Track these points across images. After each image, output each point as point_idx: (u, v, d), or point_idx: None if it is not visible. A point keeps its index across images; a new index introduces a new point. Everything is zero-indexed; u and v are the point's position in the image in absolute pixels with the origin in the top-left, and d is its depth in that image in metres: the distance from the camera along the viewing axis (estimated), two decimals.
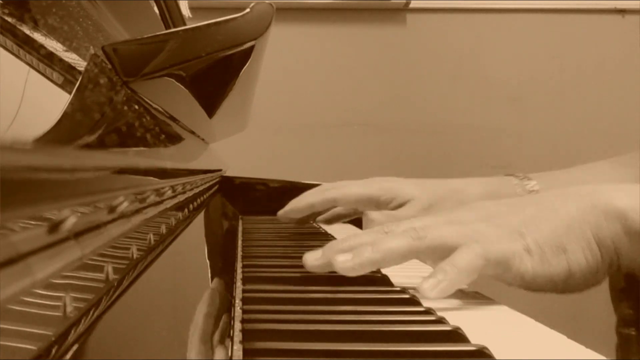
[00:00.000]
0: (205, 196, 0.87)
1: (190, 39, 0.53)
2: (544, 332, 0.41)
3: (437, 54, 1.97)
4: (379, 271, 0.55)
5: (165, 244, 0.46)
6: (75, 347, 0.23)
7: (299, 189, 1.15)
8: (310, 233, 0.88)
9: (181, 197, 0.58)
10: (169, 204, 0.50)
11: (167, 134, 0.59)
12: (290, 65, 1.92)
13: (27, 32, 0.35)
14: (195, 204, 0.71)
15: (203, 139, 0.92)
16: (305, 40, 1.95)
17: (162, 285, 0.42)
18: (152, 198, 0.41)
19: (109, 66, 0.46)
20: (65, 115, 0.30)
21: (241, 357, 0.33)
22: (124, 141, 0.39)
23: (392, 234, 0.53)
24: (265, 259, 0.64)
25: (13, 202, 0.17)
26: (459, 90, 1.97)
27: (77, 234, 0.23)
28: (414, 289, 0.48)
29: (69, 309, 0.22)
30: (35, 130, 0.25)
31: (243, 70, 0.60)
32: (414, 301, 0.45)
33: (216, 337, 0.35)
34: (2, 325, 0.17)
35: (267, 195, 1.15)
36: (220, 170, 1.09)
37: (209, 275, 0.58)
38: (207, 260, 0.63)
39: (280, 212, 0.85)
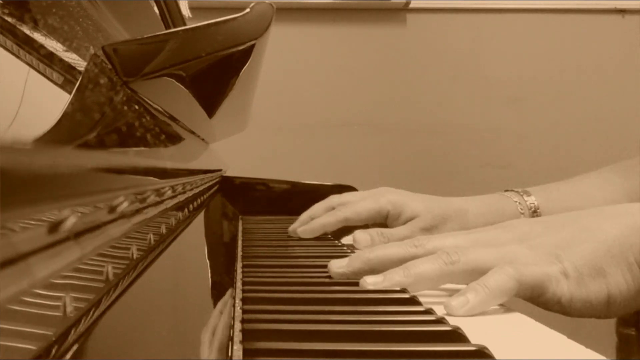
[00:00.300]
0: (205, 196, 0.87)
1: (190, 39, 0.53)
2: (544, 332, 0.41)
3: (437, 54, 1.97)
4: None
5: (165, 244, 0.46)
6: (75, 347, 0.23)
7: (299, 189, 1.15)
8: None
9: (181, 197, 0.58)
10: (169, 204, 0.50)
11: (167, 134, 0.59)
12: (290, 65, 1.92)
13: (27, 32, 0.35)
14: (195, 204, 0.71)
15: (203, 139, 0.92)
16: (305, 40, 1.95)
17: (162, 285, 0.42)
18: (152, 198, 0.41)
19: (109, 66, 0.46)
20: (65, 115, 0.30)
21: (241, 357, 0.33)
22: (124, 141, 0.39)
23: (423, 250, 0.52)
24: (266, 259, 0.64)
25: (13, 202, 0.17)
26: (458, 90, 1.97)
27: (77, 234, 0.23)
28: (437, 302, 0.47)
29: (69, 309, 0.22)
30: (35, 130, 0.25)
31: (243, 70, 0.60)
32: (414, 301, 0.45)
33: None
34: (2, 325, 0.17)
35: (267, 195, 1.15)
36: (220, 170, 1.09)
37: (209, 275, 0.58)
38: (207, 260, 0.63)
39: (292, 231, 0.84)
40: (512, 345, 0.37)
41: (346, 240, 0.81)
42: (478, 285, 0.46)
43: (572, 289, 0.47)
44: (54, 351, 0.21)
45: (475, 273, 0.48)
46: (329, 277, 0.55)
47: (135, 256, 0.35)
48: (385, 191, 0.83)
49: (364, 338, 0.36)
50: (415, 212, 0.79)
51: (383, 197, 0.81)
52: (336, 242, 0.79)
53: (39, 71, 0.34)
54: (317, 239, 0.82)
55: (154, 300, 0.38)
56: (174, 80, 0.53)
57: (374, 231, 0.74)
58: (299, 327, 0.37)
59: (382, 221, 0.81)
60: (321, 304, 0.44)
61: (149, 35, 0.50)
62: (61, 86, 0.36)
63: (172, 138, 0.61)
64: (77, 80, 0.38)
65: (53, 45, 0.38)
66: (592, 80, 1.98)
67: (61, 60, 0.38)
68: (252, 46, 0.57)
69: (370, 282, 0.50)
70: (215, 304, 0.48)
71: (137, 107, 0.48)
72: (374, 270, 0.54)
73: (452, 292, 0.53)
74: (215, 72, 0.57)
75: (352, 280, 0.53)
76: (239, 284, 0.50)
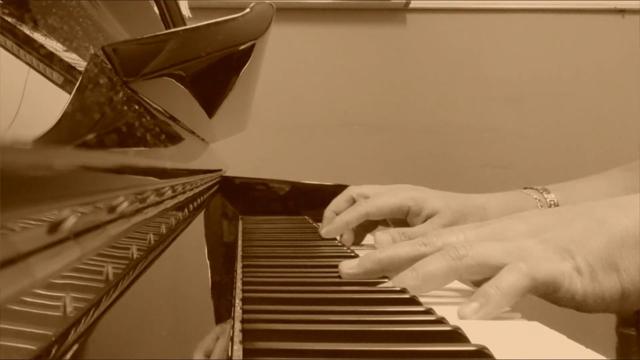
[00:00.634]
0: (205, 196, 0.87)
1: (190, 39, 0.53)
2: (544, 332, 0.41)
3: (437, 54, 1.97)
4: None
5: (165, 244, 0.46)
6: (75, 347, 0.23)
7: (299, 189, 1.15)
8: (311, 233, 0.88)
9: (181, 197, 0.58)
10: (169, 204, 0.50)
11: (167, 134, 0.59)
12: (290, 65, 1.92)
13: (27, 32, 0.35)
14: (195, 204, 0.71)
15: (203, 139, 0.92)
16: (305, 40, 1.95)
17: (162, 285, 0.42)
18: (152, 198, 0.41)
19: (109, 66, 0.46)
20: (65, 115, 0.30)
21: (241, 357, 0.33)
22: (124, 141, 0.39)
23: (432, 248, 0.51)
24: (266, 259, 0.64)
25: (13, 202, 0.17)
26: (458, 90, 1.97)
27: (77, 234, 0.23)
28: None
29: (69, 309, 0.22)
30: (35, 130, 0.25)
31: (243, 70, 0.60)
32: (414, 301, 0.45)
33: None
34: (2, 325, 0.17)
35: (267, 195, 1.15)
36: (220, 170, 1.09)
37: (209, 275, 0.58)
38: (207, 260, 0.63)
39: (326, 234, 0.84)
40: (512, 345, 0.37)
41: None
42: (490, 288, 0.45)
43: (585, 286, 0.46)
44: (54, 351, 0.21)
45: (485, 268, 0.48)
46: (329, 277, 0.55)
47: (135, 256, 0.35)
48: (404, 187, 0.83)
49: (364, 338, 0.36)
50: (435, 209, 0.79)
51: (404, 192, 0.81)
52: (336, 241, 0.79)
53: (39, 71, 0.34)
54: (318, 239, 0.82)
55: (154, 300, 0.38)
56: (174, 80, 0.53)
57: (395, 231, 0.73)
58: (299, 327, 0.37)
59: (402, 217, 0.81)
60: (321, 304, 0.44)
61: (149, 35, 0.50)
62: (61, 86, 0.36)
63: (172, 138, 0.61)
64: (77, 80, 0.38)
65: (53, 45, 0.38)
66: (592, 80, 1.98)
67: (61, 60, 0.38)
68: (252, 46, 0.57)
69: (381, 286, 0.50)
70: (215, 304, 0.48)
71: (137, 107, 0.48)
72: (385, 270, 0.53)
73: (453, 291, 0.53)
74: (215, 72, 0.57)
75: (352, 280, 0.53)
76: (239, 284, 0.50)
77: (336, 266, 0.55)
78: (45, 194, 0.20)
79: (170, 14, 0.89)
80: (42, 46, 0.36)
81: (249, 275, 0.53)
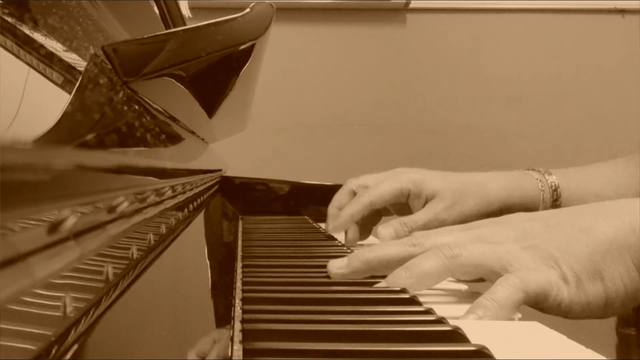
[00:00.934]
0: (205, 196, 0.87)
1: (190, 39, 0.53)
2: (544, 332, 0.41)
3: (437, 54, 1.97)
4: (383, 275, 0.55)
5: (165, 244, 0.46)
6: (75, 347, 0.23)
7: (299, 189, 1.15)
8: (311, 233, 0.88)
9: (181, 197, 0.58)
10: (169, 204, 0.50)
11: (167, 134, 0.59)
12: (290, 65, 1.92)
13: (27, 32, 0.35)
14: (195, 204, 0.71)
15: (203, 139, 0.92)
16: (305, 40, 1.95)
17: (162, 285, 0.42)
18: (152, 198, 0.41)
19: (109, 66, 0.46)
20: (65, 115, 0.30)
21: (241, 357, 0.33)
22: (124, 141, 0.39)
23: (421, 249, 0.51)
24: (266, 259, 0.64)
25: (13, 202, 0.17)
26: (458, 90, 1.97)
27: (77, 234, 0.23)
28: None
29: (69, 309, 0.22)
30: (35, 130, 0.25)
31: (243, 70, 0.60)
32: (413, 301, 0.45)
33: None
34: (2, 325, 0.17)
35: (267, 195, 1.15)
36: (220, 170, 1.09)
37: (209, 275, 0.58)
38: (207, 260, 0.63)
39: (332, 230, 0.84)
40: (512, 345, 0.37)
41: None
42: (487, 301, 0.45)
43: (571, 295, 0.47)
44: (54, 351, 0.21)
45: (477, 269, 0.48)
46: (329, 277, 0.55)
47: (135, 256, 0.35)
48: (402, 171, 0.83)
49: (364, 338, 0.36)
50: (435, 190, 0.79)
51: (403, 176, 0.81)
52: (336, 241, 0.79)
53: (39, 71, 0.34)
54: (318, 239, 0.82)
55: (154, 300, 0.38)
56: (174, 80, 0.53)
57: (397, 222, 0.73)
58: (299, 327, 0.37)
59: (404, 201, 0.81)
60: (321, 304, 0.44)
61: (149, 35, 0.50)
62: (61, 86, 0.36)
63: (172, 138, 0.61)
64: (77, 80, 0.38)
65: (53, 45, 0.38)
66: (592, 80, 1.98)
67: (61, 60, 0.38)
68: (252, 46, 0.57)
69: (375, 287, 0.50)
70: (215, 304, 0.48)
71: (137, 107, 0.48)
72: (374, 270, 0.53)
73: (453, 291, 0.53)
74: (215, 72, 0.57)
75: (352, 280, 0.53)
76: (239, 284, 0.50)
77: None
78: (45, 194, 0.20)
79: (170, 14, 0.89)
80: (42, 46, 0.36)
81: (249, 275, 0.53)
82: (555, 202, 0.80)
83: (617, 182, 0.79)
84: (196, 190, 0.73)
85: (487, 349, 0.34)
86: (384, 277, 0.52)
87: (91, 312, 0.26)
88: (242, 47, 0.56)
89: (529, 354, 0.36)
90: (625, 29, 1.98)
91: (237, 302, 0.43)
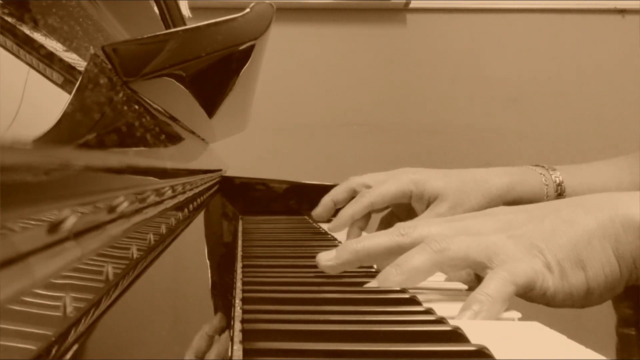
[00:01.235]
0: (205, 196, 0.87)
1: (190, 39, 0.53)
2: (544, 331, 0.41)
3: (437, 54, 1.97)
4: (378, 271, 0.55)
5: (165, 244, 0.46)
6: (75, 347, 0.23)
7: (299, 189, 1.15)
8: (311, 233, 0.88)
9: (181, 197, 0.58)
10: (169, 204, 0.50)
11: (167, 134, 0.59)
12: (290, 65, 1.92)
13: (27, 32, 0.35)
14: (195, 204, 0.71)
15: (203, 139, 0.92)
16: (305, 40, 1.94)
17: (162, 285, 0.42)
18: (152, 198, 0.41)
19: (109, 66, 0.46)
20: (65, 115, 0.30)
21: (241, 357, 0.33)
22: (124, 141, 0.39)
23: (409, 238, 0.52)
24: (266, 259, 0.64)
25: (13, 202, 0.17)
26: (458, 90, 1.97)
27: (77, 234, 0.23)
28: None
29: (69, 309, 0.22)
30: (35, 130, 0.25)
31: (243, 70, 0.60)
32: (413, 301, 0.45)
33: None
34: (2, 325, 0.17)
35: (267, 195, 1.15)
36: (220, 170, 1.09)
37: (209, 275, 0.58)
38: (207, 260, 0.63)
39: (317, 216, 0.84)
40: (512, 345, 0.37)
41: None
42: (480, 295, 0.46)
43: (555, 283, 0.48)
44: (54, 351, 0.21)
45: (463, 262, 0.49)
46: (329, 277, 0.54)
47: (135, 256, 0.35)
48: (404, 171, 0.83)
49: (364, 338, 0.36)
50: (437, 190, 0.79)
51: (405, 176, 0.81)
52: (336, 242, 0.79)
53: (39, 71, 0.34)
54: (318, 238, 0.82)
55: (154, 300, 0.38)
56: (174, 80, 0.53)
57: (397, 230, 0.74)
58: (299, 327, 0.37)
59: (406, 202, 0.81)
60: (321, 304, 0.44)
61: (149, 35, 0.50)
62: (61, 86, 0.36)
63: (172, 138, 0.61)
64: (77, 80, 0.38)
65: (53, 45, 0.38)
66: (592, 80, 1.98)
67: (61, 60, 0.38)
68: (252, 46, 0.57)
69: (367, 285, 0.50)
70: (215, 304, 0.48)
71: (137, 107, 0.48)
72: (362, 260, 0.54)
73: (450, 292, 0.53)
74: (215, 72, 0.57)
75: (351, 280, 0.53)
76: (239, 284, 0.50)
77: None
78: (45, 194, 0.20)
79: (170, 14, 0.89)
80: (42, 46, 0.36)
81: (249, 275, 0.53)
82: (559, 197, 0.80)
83: (620, 179, 0.79)
84: (196, 190, 0.73)
85: (487, 349, 0.34)
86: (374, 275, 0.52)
87: (91, 312, 0.26)
88: (242, 47, 0.56)
89: (529, 354, 0.36)
90: (625, 29, 1.98)
91: (237, 302, 0.43)
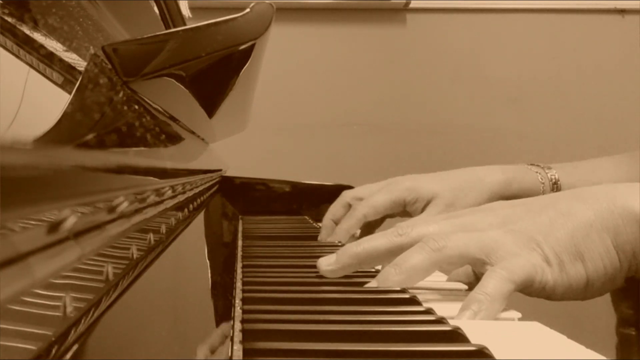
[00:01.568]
0: (205, 196, 0.87)
1: (190, 39, 0.53)
2: (544, 332, 0.41)
3: (437, 54, 1.97)
4: (378, 271, 0.55)
5: (165, 244, 0.46)
6: (75, 347, 0.23)
7: (299, 189, 1.15)
8: (311, 233, 0.88)
9: (181, 197, 0.58)
10: (169, 204, 0.50)
11: (167, 134, 0.59)
12: (290, 65, 1.92)
13: (27, 32, 0.35)
14: (195, 204, 0.71)
15: (203, 139, 0.92)
16: (305, 40, 1.94)
17: (162, 285, 0.42)
18: (152, 198, 0.41)
19: (109, 66, 0.46)
20: (65, 115, 0.30)
21: (241, 357, 0.33)
22: (124, 141, 0.39)
23: (408, 238, 0.52)
24: (266, 259, 0.64)
25: (13, 202, 0.17)
26: (459, 90, 1.97)
27: (77, 234, 0.23)
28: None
29: (69, 309, 0.22)
30: (35, 130, 0.25)
31: (243, 70, 0.60)
32: (413, 301, 0.45)
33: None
34: (2, 325, 0.17)
35: (267, 195, 1.15)
36: (220, 170, 1.09)
37: (209, 275, 0.58)
38: (207, 260, 0.63)
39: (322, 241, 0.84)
40: (512, 345, 0.37)
41: None
42: (479, 295, 0.46)
43: (555, 277, 0.48)
44: (54, 351, 0.21)
45: (463, 258, 0.49)
46: (329, 276, 0.54)
47: (135, 256, 0.35)
48: (396, 180, 0.83)
49: (364, 338, 0.36)
50: (432, 193, 0.79)
51: (397, 186, 0.81)
52: (336, 242, 0.79)
53: (39, 71, 0.34)
54: (316, 238, 0.82)
55: (154, 300, 0.38)
56: (174, 80, 0.53)
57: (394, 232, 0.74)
58: (299, 327, 0.37)
59: (401, 209, 0.81)
60: (321, 304, 0.44)
61: (149, 35, 0.50)
62: (61, 86, 0.36)
63: (172, 138, 0.61)
64: (77, 80, 0.38)
65: (53, 45, 0.38)
66: (592, 80, 1.98)
67: (61, 60, 0.38)
68: (252, 46, 0.57)
69: (367, 286, 0.50)
70: (215, 304, 0.48)
71: (137, 107, 0.48)
72: (362, 263, 0.54)
73: (450, 292, 0.53)
74: (215, 72, 0.57)
75: (351, 280, 0.53)
76: (239, 284, 0.50)
77: None
78: (45, 194, 0.20)
79: (170, 14, 0.89)
80: (42, 46, 0.36)
81: (249, 275, 0.53)
82: None
83: (618, 176, 0.79)
84: (196, 190, 0.73)
85: (487, 349, 0.34)
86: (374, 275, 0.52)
87: (91, 312, 0.26)
88: (242, 47, 0.56)
89: (529, 354, 0.36)
90: (625, 29, 1.98)
91: (237, 302, 0.43)
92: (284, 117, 1.93)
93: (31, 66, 0.33)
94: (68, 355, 0.22)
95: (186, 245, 0.55)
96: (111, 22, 0.59)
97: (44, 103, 0.32)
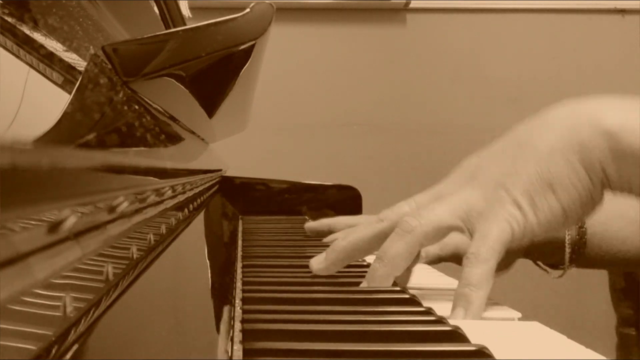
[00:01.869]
0: (205, 196, 0.87)
1: (190, 39, 0.53)
2: (544, 332, 0.41)
3: (437, 54, 1.97)
4: None
5: (165, 244, 0.46)
6: (75, 347, 0.23)
7: (299, 189, 1.15)
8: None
9: (181, 197, 0.58)
10: (169, 204, 0.50)
11: (167, 134, 0.59)
12: (290, 65, 1.92)
13: (27, 32, 0.35)
14: (195, 204, 0.71)
15: (203, 139, 0.92)
16: (305, 40, 1.94)
17: (162, 285, 0.42)
18: (152, 198, 0.41)
19: (109, 66, 0.46)
20: (65, 115, 0.30)
21: (241, 357, 0.33)
22: (124, 141, 0.39)
23: (389, 222, 0.51)
24: (266, 259, 0.64)
25: (13, 202, 0.17)
26: (458, 90, 1.97)
27: (77, 234, 0.23)
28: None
29: (69, 309, 0.22)
30: (35, 130, 0.25)
31: (243, 70, 0.60)
32: (413, 301, 0.45)
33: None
34: (2, 325, 0.17)
35: (267, 195, 1.15)
36: (220, 170, 1.09)
37: (209, 275, 0.58)
38: (207, 260, 0.63)
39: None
40: (512, 345, 0.37)
41: None
42: (464, 288, 0.46)
43: (530, 220, 0.46)
44: (54, 351, 0.21)
45: (439, 231, 0.49)
46: (329, 276, 0.55)
47: (135, 256, 0.35)
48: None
49: (364, 338, 0.36)
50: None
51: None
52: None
53: (39, 71, 0.34)
54: (317, 239, 0.82)
55: (154, 300, 0.38)
56: (173, 80, 0.53)
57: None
58: (298, 327, 0.37)
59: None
60: (321, 304, 0.44)
61: (149, 35, 0.50)
62: (61, 86, 0.36)
63: (172, 138, 0.61)
64: (77, 80, 0.38)
65: (53, 45, 0.38)
66: (592, 80, 1.98)
67: (61, 60, 0.38)
68: (252, 46, 0.57)
69: (359, 287, 0.50)
70: (215, 304, 0.48)
71: (137, 107, 0.48)
72: (352, 256, 0.54)
73: (450, 292, 0.53)
74: (215, 72, 0.57)
75: (351, 281, 0.53)
76: (239, 284, 0.50)
77: None
78: (45, 194, 0.20)
79: (170, 14, 0.89)
80: (42, 46, 0.36)
81: (249, 275, 0.53)
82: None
83: None
84: (196, 190, 0.73)
85: (487, 349, 0.34)
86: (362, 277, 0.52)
87: (91, 312, 0.26)
88: (242, 47, 0.56)
89: (529, 354, 0.36)
90: (625, 29, 1.98)
91: (237, 302, 0.43)
92: (284, 117, 1.93)
93: (31, 66, 0.33)
94: (68, 355, 0.22)
95: (186, 245, 0.55)
96: (111, 22, 0.59)
97: (44, 103, 0.32)
